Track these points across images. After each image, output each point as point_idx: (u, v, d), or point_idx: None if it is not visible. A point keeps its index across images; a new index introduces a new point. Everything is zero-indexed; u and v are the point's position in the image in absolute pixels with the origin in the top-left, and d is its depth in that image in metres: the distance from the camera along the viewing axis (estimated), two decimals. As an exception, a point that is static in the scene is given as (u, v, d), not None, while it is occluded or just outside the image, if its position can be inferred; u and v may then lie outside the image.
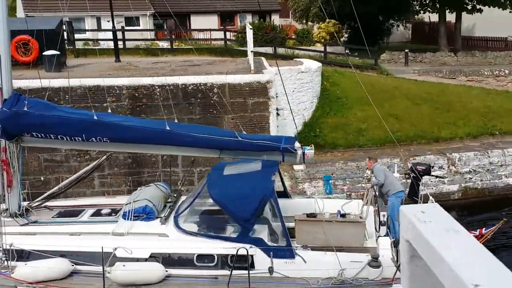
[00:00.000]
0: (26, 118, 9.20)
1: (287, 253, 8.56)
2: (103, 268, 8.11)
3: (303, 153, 9.29)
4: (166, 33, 32.72)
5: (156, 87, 13.81)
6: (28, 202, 10.22)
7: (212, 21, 38.17)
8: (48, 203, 10.48)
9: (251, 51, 16.16)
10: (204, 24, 35.02)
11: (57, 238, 8.97)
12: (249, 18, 39.36)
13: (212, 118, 13.91)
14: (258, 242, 8.60)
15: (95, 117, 9.29)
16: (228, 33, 27.84)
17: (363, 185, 15.71)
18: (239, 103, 14.08)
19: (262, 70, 15.27)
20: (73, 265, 8.58)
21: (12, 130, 9.30)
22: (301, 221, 9.44)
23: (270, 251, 8.51)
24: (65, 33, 19.76)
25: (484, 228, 8.25)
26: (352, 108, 17.94)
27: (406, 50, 29.31)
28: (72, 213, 10.05)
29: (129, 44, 24.90)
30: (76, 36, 25.02)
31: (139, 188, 10.52)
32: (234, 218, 8.95)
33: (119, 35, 21.89)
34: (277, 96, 15.13)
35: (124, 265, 8.32)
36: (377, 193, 10.34)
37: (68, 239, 8.95)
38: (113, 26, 20.06)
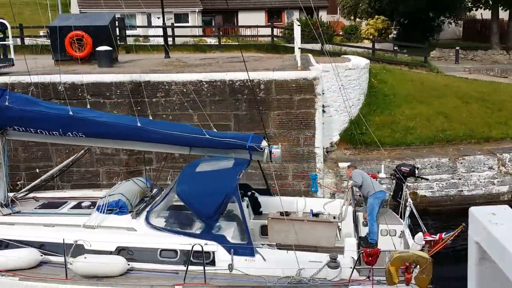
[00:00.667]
0: (7, 112, 9.52)
1: (247, 251, 8.57)
2: (64, 259, 8.36)
3: (270, 152, 9.36)
4: (214, 29, 33.06)
5: (204, 83, 14.03)
6: (14, 193, 10.55)
7: (260, 17, 38.30)
8: (37, 195, 10.85)
9: (299, 48, 16.17)
10: (252, 21, 35.16)
11: (32, 229, 9.28)
12: (296, 14, 39.26)
13: (257, 114, 14.02)
14: (220, 239, 8.66)
15: (70, 112, 9.53)
16: (275, 30, 27.87)
17: (409, 184, 15.49)
18: (285, 100, 14.12)
19: (309, 66, 15.25)
20: (41, 256, 8.82)
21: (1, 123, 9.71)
22: (274, 219, 9.44)
23: (231, 248, 8.55)
24: (117, 29, 20.31)
25: (444, 233, 8.14)
26: (400, 106, 17.67)
27: (456, 48, 28.57)
28: (54, 204, 10.34)
29: (178, 41, 25.34)
30: (127, 32, 25.65)
31: (118, 183, 10.68)
32: (197, 214, 9.06)
33: (169, 31, 22.29)
34: (323, 93, 15.09)
35: (85, 257, 8.51)
36: (360, 195, 10.28)
37: (42, 230, 9.24)
38: (164, 23, 20.46)
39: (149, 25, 31.59)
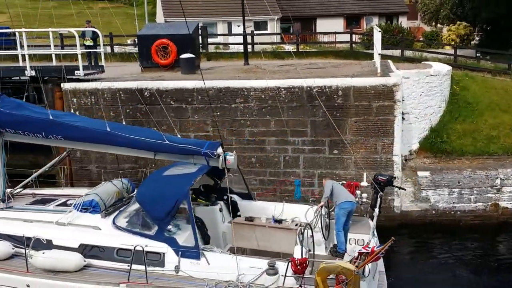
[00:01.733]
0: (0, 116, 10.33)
1: (193, 254, 8.76)
2: (25, 253, 9.01)
3: (225, 158, 9.50)
4: (292, 36, 33.30)
5: (282, 89, 14.24)
6: (10, 190, 11.32)
7: (338, 24, 38.11)
8: (36, 191, 11.59)
9: (378, 54, 15.99)
10: (330, 27, 35.09)
11: (10, 224, 9.94)
12: (375, 20, 38.69)
13: (335, 121, 14.01)
14: (170, 241, 8.93)
15: (50, 117, 10.14)
16: (354, 36, 27.65)
17: (490, 195, 14.85)
18: (364, 106, 14.02)
19: (388, 73, 15.05)
20: (13, 248, 9.44)
21: None
22: (237, 224, 9.77)
23: (179, 251, 8.81)
24: (200, 38, 21.03)
25: (376, 246, 8.08)
26: (483, 114, 16.97)
27: (546, 54, 26.89)
28: (44, 201, 10.94)
29: (257, 48, 25.79)
30: (209, 40, 26.46)
31: (102, 183, 11.12)
32: (150, 217, 9.30)
33: (249, 39, 22.77)
34: (403, 100, 14.82)
35: (43, 253, 9.08)
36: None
37: (18, 225, 9.83)
38: (244, 31, 20.92)
39: (229, 33, 32.37)
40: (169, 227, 9.24)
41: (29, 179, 11.88)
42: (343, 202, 10.07)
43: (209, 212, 10.52)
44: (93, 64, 17.67)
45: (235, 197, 11.15)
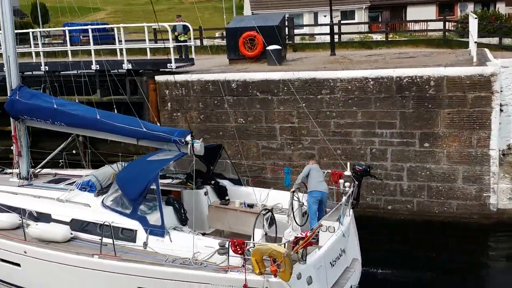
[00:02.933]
0: (17, 105, 11.94)
1: (159, 232, 9.58)
2: (22, 224, 10.29)
3: (192, 145, 10.42)
4: (380, 25, 32.42)
5: (370, 79, 13.90)
6: (33, 169, 12.71)
7: (430, 11, 36.59)
8: (59, 171, 13.04)
9: (474, 42, 15.15)
10: (421, 15, 33.76)
11: (23, 198, 11.32)
12: (470, 7, 36.72)
13: (426, 112, 13.49)
14: (142, 220, 9.83)
15: (55, 106, 11.60)
16: (447, 24, 26.39)
17: None
18: (458, 98, 13.35)
19: (485, 62, 14.22)
20: (19, 220, 10.58)
21: (12, 113, 12.17)
22: (213, 207, 11.05)
23: (148, 229, 9.71)
24: (286, 29, 21.03)
25: (308, 231, 8.74)
26: None
27: None
28: (59, 181, 12.25)
29: (343, 38, 25.38)
30: (295, 31, 26.38)
31: (104, 166, 12.30)
32: (125, 197, 10.19)
33: (335, 29, 22.45)
34: (501, 91, 13.94)
35: (37, 224, 10.33)
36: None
37: (29, 200, 11.23)
38: (331, 20, 20.65)
39: (316, 24, 32.09)
40: (142, 207, 10.11)
41: (45, 161, 13.27)
42: (312, 191, 10.40)
43: (194, 195, 11.12)
44: (183, 57, 18.24)
45: (225, 183, 11.88)
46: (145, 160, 10.98)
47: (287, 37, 22.00)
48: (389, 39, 24.85)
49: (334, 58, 18.85)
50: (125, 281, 9.29)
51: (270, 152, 14.99)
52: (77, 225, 10.34)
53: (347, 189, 10.54)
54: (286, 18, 20.79)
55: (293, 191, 10.33)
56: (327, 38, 23.65)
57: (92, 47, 16.71)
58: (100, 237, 9.59)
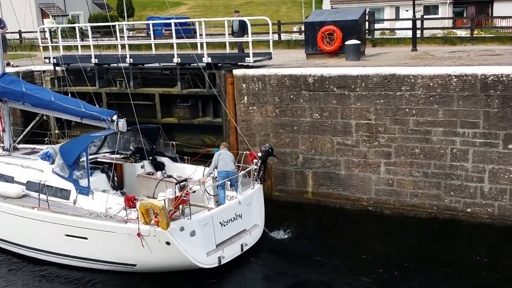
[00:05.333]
0: None
1: (85, 192, 12.21)
2: None
3: (117, 124, 12.97)
4: (465, 21, 31.11)
5: (453, 77, 13.41)
6: (14, 144, 15.48)
7: (519, 7, 34.62)
8: (36, 146, 15.61)
9: None
10: (509, 11, 32.02)
11: (0, 164, 14.10)
12: None
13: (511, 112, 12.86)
14: (75, 182, 12.42)
15: (23, 89, 14.25)
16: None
17: None
18: (548, 98, 12.62)
19: None
20: None
21: None
22: (140, 177, 13.55)
23: (78, 189, 12.30)
24: (366, 23, 20.69)
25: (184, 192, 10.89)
26: None
27: None
28: (32, 153, 14.76)
29: (426, 33, 24.59)
30: (375, 26, 25.88)
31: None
32: (64, 164, 12.68)
33: (418, 23, 21.81)
34: None
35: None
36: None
37: (4, 166, 14.00)
38: (414, 15, 20.07)
39: (397, 18, 31.32)
40: (76, 172, 12.56)
41: (21, 137, 16.10)
42: (220, 171, 12.66)
43: (132, 167, 13.97)
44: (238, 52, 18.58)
45: (164, 159, 14.37)
46: (85, 135, 13.95)
47: (367, 31, 21.63)
48: (474, 35, 23.79)
49: (416, 53, 18.33)
50: (55, 229, 11.84)
51: (344, 149, 14.86)
52: (31, 185, 12.91)
53: (255, 167, 12.83)
54: (366, 13, 20.42)
55: (204, 181, 12.64)
56: (408, 33, 23.03)
57: (174, 40, 17.26)
58: (43, 194, 12.12)
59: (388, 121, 14.14)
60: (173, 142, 14.81)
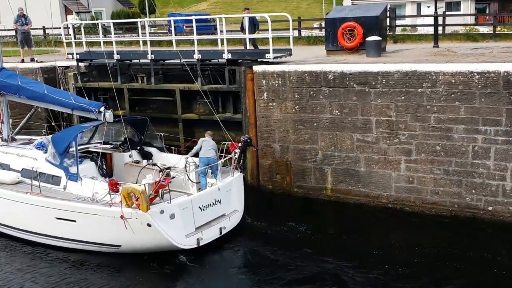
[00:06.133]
0: None
1: (74, 178, 13.05)
2: None
3: (104, 115, 13.81)
4: (488, 17, 30.66)
5: (475, 74, 13.27)
6: (12, 134, 16.25)
7: (546, 2, 33.96)
8: (33, 137, 16.39)
9: None
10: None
11: None
12: None
13: (535, 110, 12.68)
14: (65, 169, 13.25)
15: (19, 83, 15.09)
16: None
17: None
18: None
19: None
20: None
21: None
22: (127, 165, 14.44)
23: (68, 176, 13.13)
24: (387, 20, 20.56)
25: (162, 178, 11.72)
26: None
27: None
28: (29, 143, 15.51)
29: (447, 29, 24.30)
30: (396, 22, 25.68)
31: None
32: (55, 152, 13.53)
33: (439, 20, 21.59)
34: None
35: None
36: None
37: (1, 155, 14.82)
38: (435, 11, 19.89)
39: (418, 14, 31.02)
40: (66, 160, 13.36)
41: (18, 128, 16.78)
42: (201, 157, 13.48)
43: (121, 156, 14.74)
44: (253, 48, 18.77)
45: (152, 149, 15.12)
46: (75, 126, 15.30)
47: (388, 28, 21.49)
48: (496, 32, 23.45)
49: (437, 50, 18.17)
50: (47, 212, 12.63)
51: (364, 145, 14.82)
52: (25, 172, 13.72)
53: (236, 156, 13.50)
54: (388, 9, 20.29)
55: (187, 158, 13.88)
56: (429, 30, 22.79)
57: (195, 37, 17.39)
58: (36, 180, 12.96)
59: (409, 118, 14.06)
60: (161, 134, 15.56)
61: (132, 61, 19.00)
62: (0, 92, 15.85)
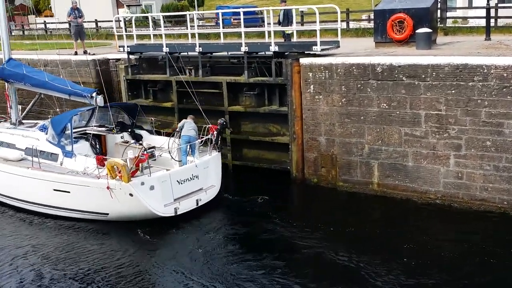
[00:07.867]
0: (5, 71, 17.33)
1: (69, 155, 14.77)
2: None
3: (96, 99, 15.64)
4: (546, 8, 29.30)
5: (530, 67, 12.85)
6: (20, 118, 18.00)
7: None
8: (39, 121, 17.58)
9: None
10: None
11: (6, 134, 16.65)
12: None
13: None
14: (62, 147, 14.97)
15: (24, 72, 16.87)
16: None
17: None
18: None
19: None
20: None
21: (2, 77, 17.79)
22: (116, 144, 15.85)
23: (64, 153, 14.85)
24: (438, 11, 20.10)
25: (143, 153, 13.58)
26: None
27: None
28: (34, 126, 16.93)
29: (500, 22, 23.49)
30: (447, 14, 25.03)
31: None
32: (54, 133, 15.15)
33: (492, 12, 20.91)
34: None
35: (1, 149, 16.17)
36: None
37: (8, 135, 16.58)
38: (488, 3, 19.29)
39: (470, 6, 30.06)
40: (63, 139, 15.08)
41: (25, 112, 18.42)
42: (183, 136, 14.94)
43: (113, 137, 16.24)
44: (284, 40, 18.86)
45: (143, 132, 16.69)
46: (70, 110, 16.44)
47: (438, 20, 20.99)
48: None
49: (489, 43, 17.63)
50: (45, 185, 14.36)
51: (413, 140, 14.61)
52: (28, 151, 15.36)
53: (214, 137, 15.18)
54: (438, 0, 19.81)
55: (171, 138, 15.23)
56: (481, 22, 22.08)
57: (242, 29, 17.52)
58: (36, 157, 14.68)
59: (459, 112, 13.77)
60: (152, 118, 17.24)
61: (181, 54, 19.34)
62: (8, 80, 17.57)
